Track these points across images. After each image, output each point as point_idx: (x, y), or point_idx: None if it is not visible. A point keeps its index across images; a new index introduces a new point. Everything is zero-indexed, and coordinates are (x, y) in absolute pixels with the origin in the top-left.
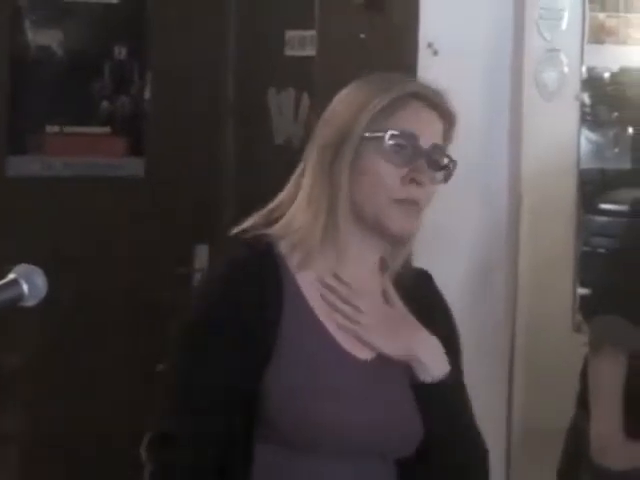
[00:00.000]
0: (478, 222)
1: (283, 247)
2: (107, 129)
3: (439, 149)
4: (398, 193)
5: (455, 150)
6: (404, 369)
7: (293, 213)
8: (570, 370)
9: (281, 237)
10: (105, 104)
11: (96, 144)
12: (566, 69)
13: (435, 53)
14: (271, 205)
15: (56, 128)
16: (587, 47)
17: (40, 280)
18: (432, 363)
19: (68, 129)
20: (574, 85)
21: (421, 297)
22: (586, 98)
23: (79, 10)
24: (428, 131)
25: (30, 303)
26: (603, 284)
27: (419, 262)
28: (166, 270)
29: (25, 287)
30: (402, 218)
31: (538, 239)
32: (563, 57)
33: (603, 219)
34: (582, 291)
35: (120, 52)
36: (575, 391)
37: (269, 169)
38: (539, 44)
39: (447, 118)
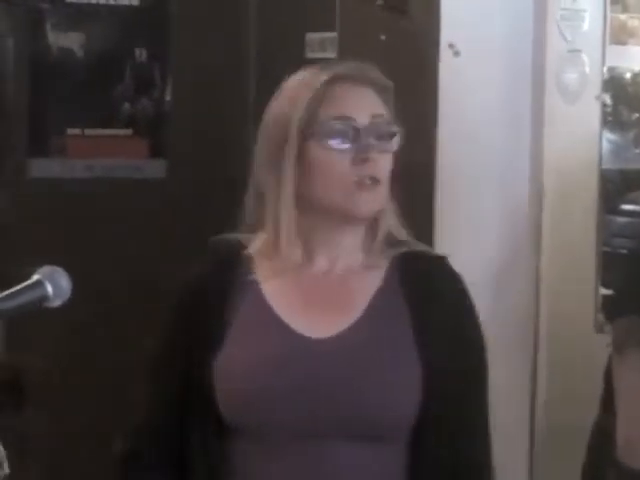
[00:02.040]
0: (500, 223)
1: (252, 250)
2: (129, 131)
3: (380, 120)
4: (352, 176)
5: (477, 152)
6: (394, 352)
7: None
8: (593, 370)
9: (248, 240)
10: (126, 106)
11: (118, 146)
12: (587, 70)
13: (456, 54)
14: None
15: (77, 130)
16: (608, 48)
17: (64, 281)
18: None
19: (89, 131)
20: (595, 86)
21: (423, 273)
22: (607, 99)
23: (100, 12)
24: (362, 107)
25: (55, 304)
26: (625, 285)
27: None
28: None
29: (50, 288)
30: (365, 199)
31: (560, 240)
32: (584, 58)
33: (624, 220)
34: (604, 291)
35: (141, 54)
36: (598, 391)
37: None
38: (560, 45)
39: (379, 87)
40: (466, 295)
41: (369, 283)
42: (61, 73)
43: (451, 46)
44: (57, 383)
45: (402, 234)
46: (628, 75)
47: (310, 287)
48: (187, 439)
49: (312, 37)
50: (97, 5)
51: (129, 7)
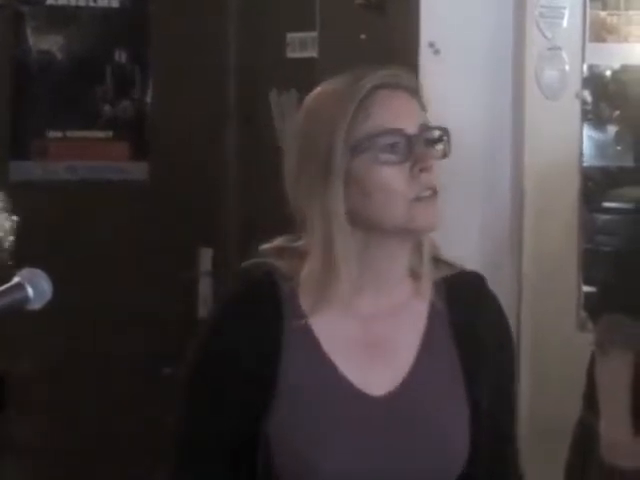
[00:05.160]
0: (481, 221)
1: (296, 285)
2: (109, 133)
3: (426, 126)
4: (413, 191)
5: (458, 150)
6: (437, 396)
7: (299, 252)
8: (575, 368)
9: (294, 273)
10: (107, 108)
11: (99, 148)
12: (567, 67)
13: (436, 53)
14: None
15: (58, 133)
16: (588, 45)
17: (45, 283)
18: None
19: (70, 134)
20: (575, 83)
21: (467, 299)
22: (587, 96)
23: (80, 15)
24: (408, 115)
25: (35, 307)
26: (608, 283)
27: None
28: (170, 273)
29: (30, 291)
30: (425, 213)
31: (542, 237)
32: (564, 55)
33: (606, 217)
34: (587, 289)
35: (121, 56)
36: (581, 389)
37: (272, 171)
38: (540, 42)
39: (415, 91)
40: (506, 320)
41: (416, 318)
42: (42, 76)
43: (431, 45)
44: (40, 385)
45: (439, 252)
46: (608, 72)
47: (360, 328)
48: None
49: (293, 37)
50: (77, 7)
51: (109, 9)
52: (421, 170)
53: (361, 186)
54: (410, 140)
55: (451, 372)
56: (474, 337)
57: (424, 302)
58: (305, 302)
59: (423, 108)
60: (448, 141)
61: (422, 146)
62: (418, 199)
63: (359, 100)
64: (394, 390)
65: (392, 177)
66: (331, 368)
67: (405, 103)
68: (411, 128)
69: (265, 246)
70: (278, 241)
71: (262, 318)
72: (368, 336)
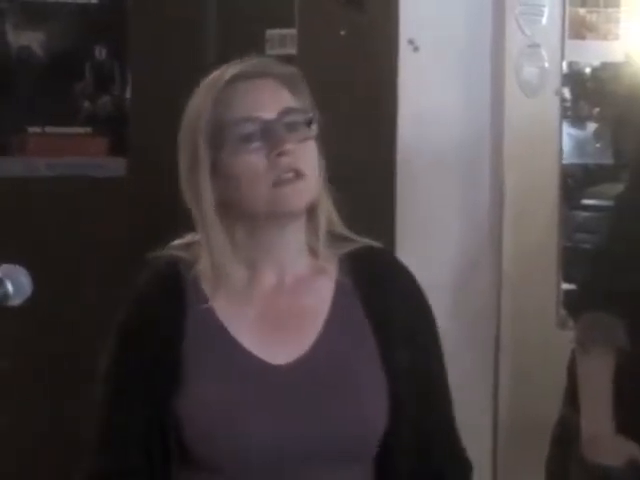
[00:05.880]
0: (460, 218)
1: (197, 273)
2: (89, 129)
3: (290, 111)
4: (272, 175)
5: (436, 147)
6: (352, 365)
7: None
8: (555, 366)
9: (195, 262)
10: (86, 104)
11: (78, 144)
12: (547, 64)
13: (416, 49)
14: None
15: (38, 129)
16: (568, 42)
17: (25, 280)
18: None
19: (50, 129)
20: (555, 80)
21: (373, 272)
22: (567, 93)
23: (59, 11)
24: (267, 102)
25: (15, 303)
26: (589, 281)
27: (402, 259)
28: None
29: (10, 287)
30: (288, 194)
31: (521, 235)
32: (544, 52)
33: (586, 214)
34: (566, 287)
35: (101, 52)
36: (561, 387)
37: None
38: (520, 39)
39: (284, 78)
40: (419, 289)
41: (322, 293)
42: (21, 71)
43: (410, 42)
44: (20, 384)
45: (342, 229)
46: (587, 70)
47: (263, 306)
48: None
49: (272, 33)
50: (56, 3)
51: (88, 5)
52: (279, 154)
53: (227, 176)
54: (266, 126)
55: (363, 342)
56: (387, 312)
57: (329, 278)
58: (207, 288)
59: (298, 94)
60: (311, 123)
61: (281, 131)
62: (278, 183)
63: (217, 92)
64: (300, 358)
65: (253, 164)
66: (235, 345)
67: (267, 91)
68: (268, 114)
69: (175, 241)
70: (189, 236)
71: (164, 305)
72: (272, 311)
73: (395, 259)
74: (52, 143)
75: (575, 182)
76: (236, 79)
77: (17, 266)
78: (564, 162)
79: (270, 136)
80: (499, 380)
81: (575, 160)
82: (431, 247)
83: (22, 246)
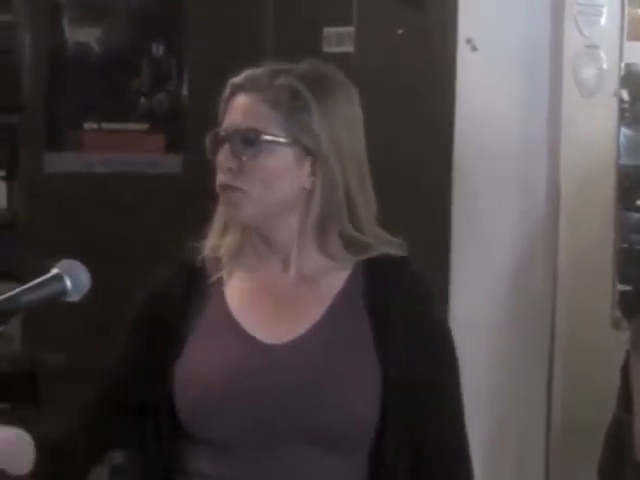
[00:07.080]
0: (517, 219)
1: (219, 259)
2: (145, 126)
3: (240, 132)
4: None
5: (493, 146)
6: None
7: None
8: (610, 367)
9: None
10: (143, 101)
11: (134, 141)
12: (605, 65)
13: (474, 49)
14: None
15: (94, 125)
16: (626, 43)
17: (83, 275)
18: None
19: (106, 126)
20: (613, 81)
21: (383, 276)
22: (625, 94)
23: (117, 7)
24: (233, 117)
25: (73, 298)
26: None
27: (458, 259)
28: None
29: (68, 282)
30: (226, 205)
31: (577, 236)
32: (602, 53)
33: None
34: (621, 288)
35: (157, 49)
36: (615, 388)
37: None
38: (578, 40)
39: (270, 95)
40: (426, 295)
41: (330, 287)
42: (78, 68)
43: (469, 41)
44: (73, 379)
45: (359, 235)
46: None
47: (268, 290)
48: (143, 436)
49: (329, 31)
50: (113, 0)
51: (145, 1)
52: (219, 170)
53: None
54: (218, 141)
55: (360, 336)
56: (389, 312)
57: (340, 277)
58: (225, 273)
59: (277, 109)
60: (259, 144)
61: (227, 148)
62: (220, 191)
63: (224, 101)
64: (295, 339)
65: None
66: (233, 322)
67: (243, 105)
68: (224, 129)
69: None
70: None
71: (182, 281)
72: (274, 297)
73: (407, 267)
74: (108, 139)
75: (631, 183)
76: (235, 89)
77: (75, 261)
78: (621, 163)
79: (215, 151)
80: (553, 380)
81: (631, 161)
82: (488, 249)
83: (77, 242)
